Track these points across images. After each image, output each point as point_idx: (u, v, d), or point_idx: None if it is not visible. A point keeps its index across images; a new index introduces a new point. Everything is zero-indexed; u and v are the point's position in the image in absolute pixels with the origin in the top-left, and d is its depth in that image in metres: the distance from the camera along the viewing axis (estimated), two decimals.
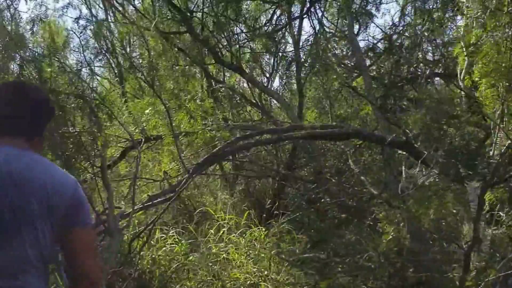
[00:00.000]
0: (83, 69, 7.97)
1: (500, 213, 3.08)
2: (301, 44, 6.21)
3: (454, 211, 3.09)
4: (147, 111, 5.35)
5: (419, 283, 3.32)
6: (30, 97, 1.49)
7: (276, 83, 9.95)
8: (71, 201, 1.40)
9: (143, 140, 4.94)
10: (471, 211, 2.93)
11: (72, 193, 1.41)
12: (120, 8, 6.98)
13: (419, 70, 4.87)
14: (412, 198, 3.03)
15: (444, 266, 3.33)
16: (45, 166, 1.43)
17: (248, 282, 4.14)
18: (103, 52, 7.89)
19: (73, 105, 3.54)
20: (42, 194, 1.35)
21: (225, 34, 6.13)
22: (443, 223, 3.32)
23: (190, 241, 4.88)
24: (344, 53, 6.23)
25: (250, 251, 4.54)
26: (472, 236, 2.86)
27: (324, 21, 6.46)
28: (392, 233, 3.29)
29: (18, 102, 1.46)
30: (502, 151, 3.01)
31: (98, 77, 9.81)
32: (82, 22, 7.57)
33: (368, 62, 5.66)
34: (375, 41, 5.83)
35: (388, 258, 3.43)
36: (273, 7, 6.26)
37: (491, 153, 3.41)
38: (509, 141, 2.92)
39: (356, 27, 5.94)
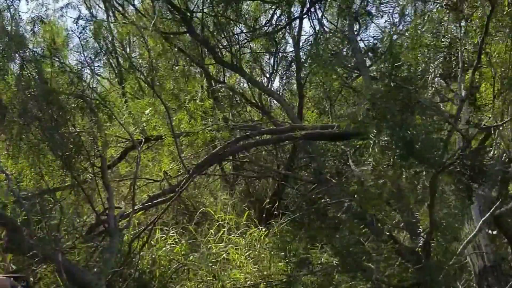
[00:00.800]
0: (83, 69, 7.97)
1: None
2: (301, 44, 6.21)
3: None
4: (147, 111, 5.35)
5: (419, 283, 3.32)
6: None
7: (276, 83, 9.96)
8: None
9: (143, 140, 4.94)
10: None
11: None
12: (120, 8, 6.98)
13: (419, 70, 4.86)
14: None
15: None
16: None
17: (248, 282, 4.14)
18: (103, 52, 7.89)
19: (73, 105, 3.54)
20: None
21: (225, 34, 6.13)
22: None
23: (190, 241, 4.89)
24: (344, 53, 6.23)
25: (250, 251, 4.55)
26: (429, 222, 2.90)
27: (324, 21, 6.47)
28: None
29: None
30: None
31: (98, 77, 9.81)
32: (82, 22, 7.53)
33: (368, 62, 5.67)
34: (375, 41, 5.83)
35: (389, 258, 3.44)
36: (273, 7, 6.26)
37: (491, 153, 3.44)
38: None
39: (356, 27, 5.95)
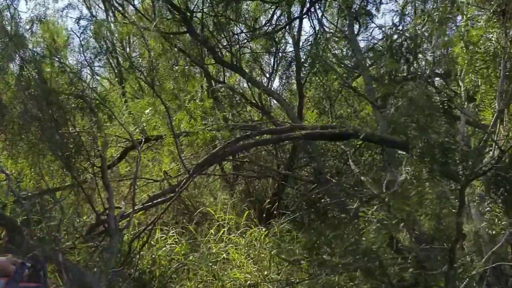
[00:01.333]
0: (83, 69, 7.97)
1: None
2: (301, 44, 6.20)
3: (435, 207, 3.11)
4: (147, 111, 5.35)
5: (418, 283, 3.32)
6: None
7: (276, 83, 9.95)
8: None
9: (143, 140, 4.94)
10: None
11: None
12: (120, 8, 6.98)
13: (419, 70, 4.86)
14: (393, 196, 3.07)
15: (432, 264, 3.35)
16: None
17: (248, 282, 4.14)
18: (103, 52, 7.89)
19: (73, 105, 3.53)
20: None
21: (225, 34, 6.13)
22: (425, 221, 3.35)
23: (190, 241, 4.89)
24: (344, 53, 6.22)
25: (250, 251, 4.55)
26: (456, 231, 2.88)
27: (324, 21, 6.46)
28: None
29: None
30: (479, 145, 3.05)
31: (98, 77, 9.81)
32: (82, 22, 7.53)
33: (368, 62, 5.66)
34: (375, 41, 5.82)
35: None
36: (273, 7, 6.26)
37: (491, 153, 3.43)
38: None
39: (356, 27, 5.94)
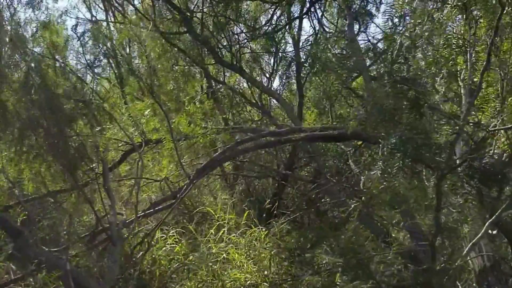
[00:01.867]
0: (83, 71, 7.98)
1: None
2: (301, 44, 6.20)
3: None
4: (146, 112, 5.34)
5: (418, 283, 3.33)
6: None
7: (276, 83, 9.96)
8: None
9: (144, 143, 4.93)
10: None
11: None
12: (120, 8, 6.98)
13: (419, 70, 4.86)
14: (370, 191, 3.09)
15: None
16: None
17: (248, 282, 4.15)
18: (103, 53, 7.89)
19: (74, 109, 3.52)
20: None
21: (225, 34, 6.13)
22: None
23: (190, 241, 4.89)
24: (344, 53, 6.22)
25: (250, 251, 4.55)
26: (435, 225, 2.90)
27: (324, 21, 6.46)
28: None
29: None
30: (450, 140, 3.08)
31: (98, 78, 9.80)
32: (82, 22, 7.54)
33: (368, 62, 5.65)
34: (375, 41, 5.82)
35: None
36: (273, 7, 6.25)
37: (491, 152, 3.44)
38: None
39: (356, 27, 5.94)
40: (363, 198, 3.24)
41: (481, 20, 3.39)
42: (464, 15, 3.32)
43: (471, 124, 3.46)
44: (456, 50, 3.47)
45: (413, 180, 2.90)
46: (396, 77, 2.81)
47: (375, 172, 2.78)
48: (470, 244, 3.07)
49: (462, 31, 3.52)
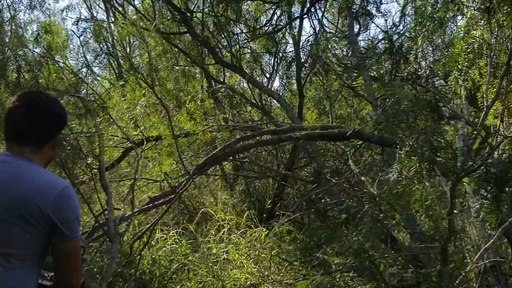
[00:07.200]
0: (83, 70, 7.99)
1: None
2: (301, 44, 6.20)
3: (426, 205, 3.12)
4: (141, 101, 5.29)
5: (418, 283, 3.33)
6: (43, 111, 1.53)
7: (276, 83, 9.95)
8: (57, 204, 1.43)
9: (144, 140, 4.92)
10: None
11: (58, 194, 1.45)
12: (120, 9, 6.98)
13: (419, 70, 4.85)
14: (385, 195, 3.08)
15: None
16: (32, 171, 1.47)
17: (249, 282, 4.14)
18: (103, 52, 7.90)
19: (72, 107, 3.53)
20: (22, 195, 1.41)
21: (225, 34, 6.13)
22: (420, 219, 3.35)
23: (190, 241, 4.89)
24: (344, 53, 6.22)
25: (251, 252, 4.55)
26: (448, 229, 2.89)
27: (324, 21, 6.46)
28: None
29: (32, 116, 1.50)
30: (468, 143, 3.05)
31: (98, 78, 9.81)
32: (82, 23, 7.54)
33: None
34: (375, 42, 5.81)
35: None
36: (273, 7, 6.26)
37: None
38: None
39: (356, 27, 5.94)
40: (376, 199, 3.22)
41: (505, 24, 3.33)
42: (487, 19, 3.26)
43: (466, 123, 3.44)
44: (477, 53, 3.41)
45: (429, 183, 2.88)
46: (416, 79, 2.80)
47: (391, 174, 2.77)
48: (483, 249, 3.06)
49: (483, 35, 3.46)
